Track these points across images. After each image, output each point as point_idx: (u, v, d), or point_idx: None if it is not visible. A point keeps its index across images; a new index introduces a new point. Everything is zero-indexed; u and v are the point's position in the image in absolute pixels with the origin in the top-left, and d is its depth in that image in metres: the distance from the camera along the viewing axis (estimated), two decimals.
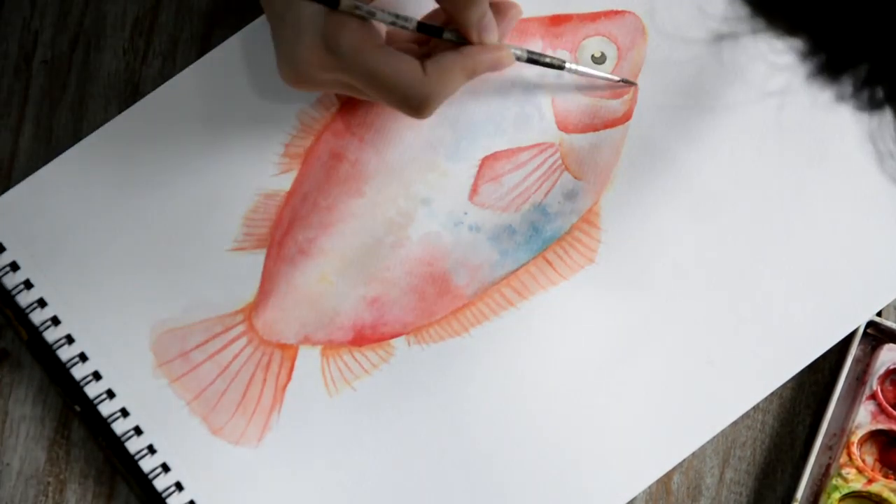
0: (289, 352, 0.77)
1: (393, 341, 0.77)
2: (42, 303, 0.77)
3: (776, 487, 0.76)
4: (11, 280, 0.77)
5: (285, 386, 0.76)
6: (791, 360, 0.76)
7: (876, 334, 0.76)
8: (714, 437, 0.76)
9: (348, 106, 0.79)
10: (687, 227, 0.77)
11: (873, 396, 0.75)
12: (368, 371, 0.76)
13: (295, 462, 0.76)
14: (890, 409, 0.75)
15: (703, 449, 0.77)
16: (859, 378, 0.76)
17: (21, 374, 0.77)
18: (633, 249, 0.77)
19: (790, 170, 0.77)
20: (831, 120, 0.78)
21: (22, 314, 0.77)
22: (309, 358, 0.76)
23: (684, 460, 0.76)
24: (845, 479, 0.74)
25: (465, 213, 0.78)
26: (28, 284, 0.77)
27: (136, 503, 0.76)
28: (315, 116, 0.79)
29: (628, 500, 0.75)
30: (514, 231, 0.78)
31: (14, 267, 0.77)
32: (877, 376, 0.75)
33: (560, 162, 0.78)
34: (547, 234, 0.78)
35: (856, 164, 0.77)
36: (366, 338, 0.77)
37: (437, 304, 0.77)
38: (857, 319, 0.76)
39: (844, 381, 0.75)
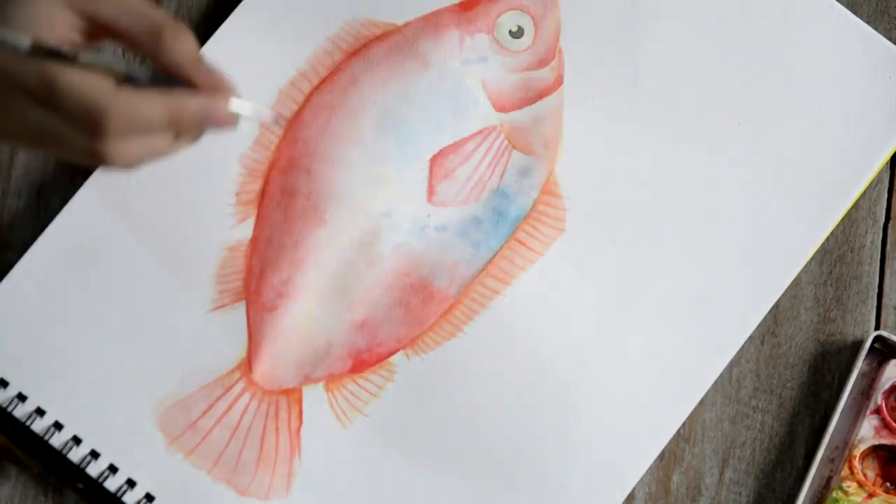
0: (294, 395, 0.76)
1: (392, 359, 0.76)
2: (40, 412, 0.76)
3: (776, 488, 0.76)
4: (4, 396, 0.76)
5: (299, 430, 0.76)
6: (777, 277, 0.76)
7: (883, 349, 0.75)
8: (714, 437, 0.76)
9: (287, 140, 0.77)
10: (645, 172, 0.77)
11: (877, 411, 0.74)
12: (375, 394, 0.76)
13: (328, 502, 0.76)
14: (894, 424, 0.74)
15: (702, 449, 0.77)
16: (864, 392, 0.75)
17: None
18: (598, 208, 0.77)
19: (729, 90, 0.77)
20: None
21: (22, 428, 0.76)
22: (315, 396, 0.76)
23: (684, 460, 0.76)
24: (846, 493, 0.74)
25: (428, 216, 0.77)
26: (21, 397, 0.76)
27: None
28: (257, 158, 0.77)
29: (655, 455, 0.76)
30: (480, 221, 0.77)
31: (3, 384, 0.76)
32: (882, 391, 0.74)
33: (506, 143, 0.78)
34: (512, 215, 0.78)
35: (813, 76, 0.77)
36: (364, 362, 0.76)
37: (425, 311, 0.77)
38: (831, 219, 0.77)
39: (849, 395, 0.74)
